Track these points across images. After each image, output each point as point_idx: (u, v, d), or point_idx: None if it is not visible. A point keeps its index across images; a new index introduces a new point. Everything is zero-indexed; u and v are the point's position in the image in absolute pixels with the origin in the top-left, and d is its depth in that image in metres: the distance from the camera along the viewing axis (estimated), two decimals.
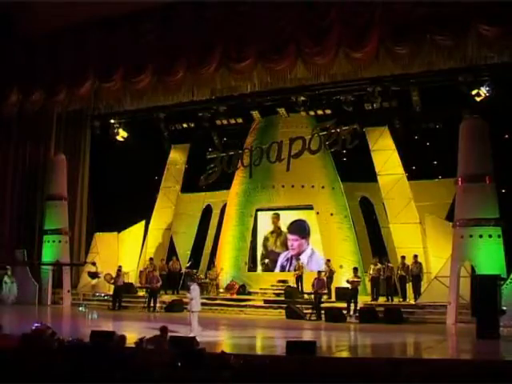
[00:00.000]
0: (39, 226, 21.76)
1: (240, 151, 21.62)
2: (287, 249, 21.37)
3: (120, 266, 20.32)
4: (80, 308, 19.84)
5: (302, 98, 18.85)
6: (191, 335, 12.07)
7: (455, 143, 16.25)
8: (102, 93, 19.19)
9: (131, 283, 21.38)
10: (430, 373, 8.81)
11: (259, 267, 21.83)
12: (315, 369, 8.11)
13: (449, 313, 15.87)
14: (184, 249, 23.24)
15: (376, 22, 14.89)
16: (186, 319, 13.88)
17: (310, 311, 17.46)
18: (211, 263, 22.10)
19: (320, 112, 19.47)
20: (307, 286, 18.57)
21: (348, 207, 20.84)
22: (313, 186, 20.87)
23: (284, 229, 21.61)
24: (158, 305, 19.41)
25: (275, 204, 21.42)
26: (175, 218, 23.69)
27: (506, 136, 18.48)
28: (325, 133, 19.94)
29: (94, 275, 21.02)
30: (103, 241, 22.39)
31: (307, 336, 14.94)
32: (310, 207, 20.97)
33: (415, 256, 18.08)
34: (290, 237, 21.38)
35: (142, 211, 23.09)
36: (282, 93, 18.87)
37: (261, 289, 20.51)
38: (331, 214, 20.61)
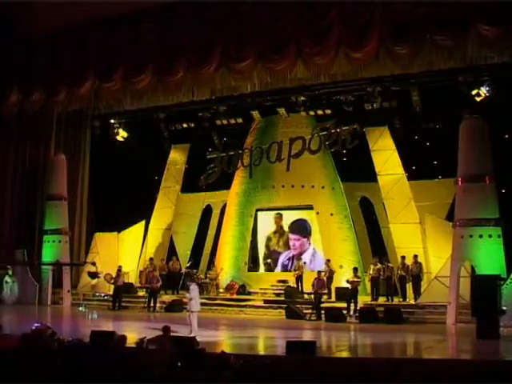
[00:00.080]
0: (39, 226, 21.75)
1: (240, 151, 21.61)
2: (289, 249, 21.38)
3: (120, 266, 20.32)
4: (80, 308, 19.84)
5: (302, 98, 18.85)
6: (191, 335, 12.07)
7: (455, 143, 16.25)
8: (102, 93, 19.19)
9: (131, 283, 21.37)
10: (430, 373, 8.81)
11: (262, 267, 21.83)
12: (315, 369, 8.11)
13: (449, 313, 15.86)
14: (184, 249, 23.24)
15: (376, 22, 14.89)
16: (185, 319, 13.86)
17: (309, 311, 17.46)
18: (211, 263, 22.10)
19: (320, 112, 19.46)
20: (307, 286, 18.56)
21: (348, 207, 20.84)
22: (313, 186, 20.87)
23: (285, 228, 21.61)
24: (157, 305, 19.40)
25: (275, 204, 21.41)
26: (175, 218, 23.69)
27: (506, 136, 18.47)
28: (325, 133, 19.94)
29: (93, 275, 21.01)
30: (103, 241, 22.38)
31: (307, 336, 14.93)
32: (310, 207, 20.97)
33: (415, 256, 18.07)
34: (291, 236, 21.38)
35: (141, 211, 23.09)
36: (282, 93, 18.87)
37: (261, 289, 20.50)
38: (331, 214, 20.61)
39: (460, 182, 16.17)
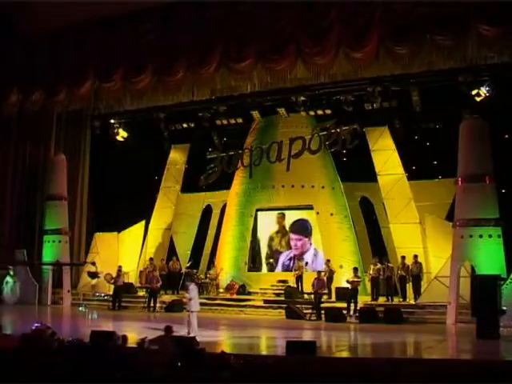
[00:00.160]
0: (39, 226, 21.75)
1: (240, 151, 21.61)
2: (291, 248, 21.36)
3: (120, 266, 20.32)
4: (80, 308, 19.84)
5: (302, 98, 18.85)
6: (191, 335, 12.08)
7: (455, 143, 16.24)
8: (102, 93, 19.19)
9: (131, 283, 21.38)
10: (430, 373, 8.81)
11: (264, 267, 21.81)
12: (315, 369, 8.11)
13: (449, 313, 15.86)
14: (184, 249, 23.24)
15: (376, 22, 14.89)
16: (185, 319, 13.84)
17: (309, 311, 17.45)
18: (211, 263, 22.10)
19: (320, 112, 19.46)
20: (307, 286, 18.56)
21: (348, 207, 20.83)
22: (313, 186, 20.86)
23: (288, 228, 21.60)
24: (157, 305, 19.40)
25: (275, 204, 21.41)
26: (175, 218, 23.69)
27: (506, 136, 18.47)
28: (325, 133, 19.93)
29: (93, 275, 21.01)
30: (103, 241, 22.38)
31: (307, 336, 14.93)
32: (310, 207, 20.97)
33: (415, 256, 18.07)
34: (292, 236, 21.35)
35: (142, 211, 23.09)
36: (282, 93, 18.87)
37: (261, 289, 20.50)
38: (331, 214, 20.60)
39: (460, 182, 16.17)
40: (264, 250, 21.90)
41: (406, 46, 14.80)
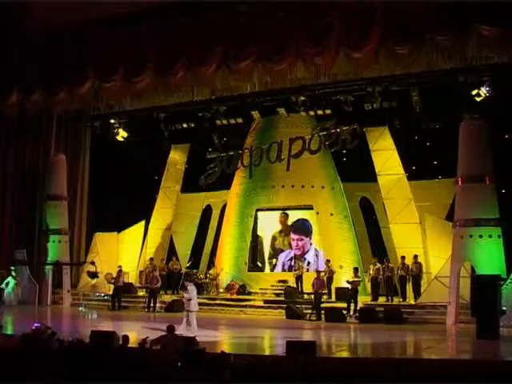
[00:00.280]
0: (39, 226, 21.75)
1: (240, 151, 21.58)
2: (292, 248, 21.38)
3: (120, 266, 20.32)
4: (80, 308, 19.83)
5: (302, 98, 18.85)
6: (191, 335, 12.07)
7: (455, 143, 16.24)
8: (102, 93, 19.20)
9: (131, 283, 21.37)
10: (430, 373, 8.81)
11: (267, 267, 21.80)
12: (315, 369, 8.11)
13: (449, 313, 15.85)
14: (184, 249, 23.23)
15: (376, 22, 14.89)
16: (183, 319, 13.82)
17: (309, 311, 17.45)
18: (211, 263, 22.11)
19: (320, 112, 19.45)
20: (307, 286, 18.56)
21: (348, 207, 20.82)
22: (313, 186, 20.86)
23: None
24: (157, 305, 19.40)
25: (275, 204, 21.40)
26: (175, 217, 23.68)
27: (506, 136, 18.47)
28: (325, 133, 19.90)
29: (93, 275, 21.01)
30: (103, 241, 22.37)
31: (307, 336, 14.94)
32: (309, 207, 20.96)
33: (415, 256, 18.06)
34: (293, 236, 21.33)
35: (142, 211, 23.10)
36: (282, 93, 18.87)
37: (261, 289, 20.49)
38: (331, 214, 20.59)
39: (460, 182, 16.17)
40: (267, 250, 21.89)
41: (406, 46, 14.80)
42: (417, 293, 17.64)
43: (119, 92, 18.93)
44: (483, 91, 16.39)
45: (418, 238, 18.99)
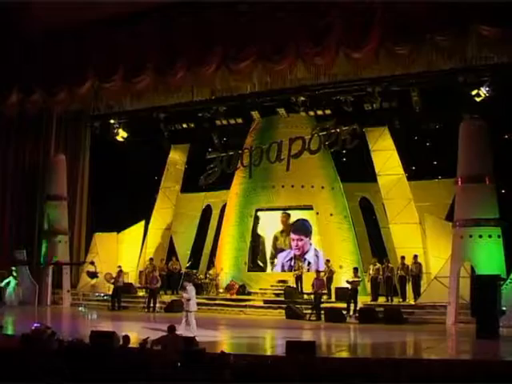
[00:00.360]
0: (39, 226, 21.74)
1: (240, 151, 21.57)
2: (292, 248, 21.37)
3: (120, 266, 20.31)
4: (80, 308, 19.82)
5: (302, 98, 18.85)
6: (191, 335, 12.07)
7: (455, 143, 16.24)
8: (102, 93, 19.20)
9: (131, 283, 21.37)
10: (430, 373, 8.81)
11: (269, 267, 21.78)
12: (315, 369, 8.11)
13: (448, 313, 15.85)
14: (184, 249, 23.23)
15: (376, 22, 14.90)
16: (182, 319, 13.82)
17: (309, 311, 17.45)
18: (211, 263, 22.10)
19: (320, 112, 19.45)
20: (307, 286, 18.56)
21: (348, 207, 20.82)
22: (312, 187, 20.85)
23: None
24: (157, 305, 19.39)
25: (275, 204, 21.39)
26: (175, 218, 23.67)
27: (506, 136, 18.47)
28: (325, 133, 19.90)
29: (92, 275, 21.01)
30: (103, 241, 22.37)
31: (307, 336, 14.94)
32: (309, 207, 20.96)
33: (415, 256, 18.06)
34: (293, 236, 21.31)
35: (141, 211, 23.09)
36: (282, 93, 18.87)
37: (260, 289, 20.49)
38: (331, 215, 20.59)
39: (460, 182, 16.17)
40: (269, 250, 21.88)
41: (405, 46, 14.81)
42: (416, 293, 17.64)
43: (119, 92, 18.94)
44: (483, 91, 16.39)
45: (418, 238, 18.99)
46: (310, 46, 15.84)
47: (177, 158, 23.91)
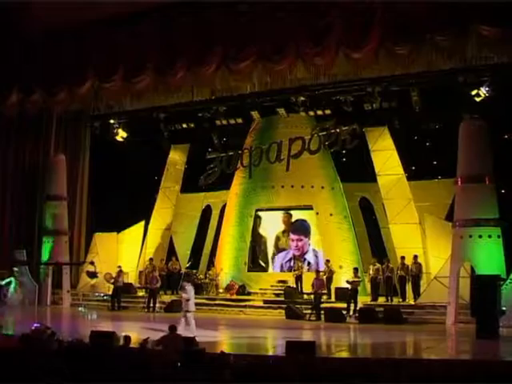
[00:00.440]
0: (39, 226, 21.74)
1: (240, 151, 21.58)
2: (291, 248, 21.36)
3: (120, 266, 20.31)
4: (80, 308, 19.81)
5: (302, 98, 18.85)
6: (190, 335, 12.07)
7: (455, 143, 16.24)
8: (102, 93, 19.20)
9: (131, 283, 21.37)
10: (430, 373, 8.81)
11: (270, 266, 21.75)
12: (315, 369, 8.11)
13: (448, 313, 15.85)
14: (184, 249, 23.22)
15: (376, 22, 14.90)
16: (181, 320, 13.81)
17: (309, 311, 17.45)
18: (211, 263, 22.10)
19: (320, 112, 19.46)
20: (307, 287, 18.56)
21: (348, 207, 20.82)
22: (312, 187, 20.85)
23: None
24: (157, 305, 19.39)
25: (275, 204, 21.39)
26: (175, 218, 23.66)
27: (506, 136, 18.47)
28: (324, 133, 19.90)
29: (92, 275, 21.01)
30: (103, 241, 22.37)
31: (307, 336, 14.95)
32: (309, 207, 20.95)
33: (415, 256, 18.05)
34: (292, 236, 21.31)
35: (141, 211, 23.08)
36: (282, 93, 18.87)
37: (260, 289, 20.49)
38: (331, 215, 20.58)
39: (460, 182, 16.17)
40: (270, 250, 21.88)
41: (405, 46, 14.81)
42: (416, 293, 17.64)
43: (119, 92, 18.94)
44: (483, 91, 16.40)
45: (418, 238, 18.99)
46: (309, 46, 15.84)
47: (177, 158, 23.90)
